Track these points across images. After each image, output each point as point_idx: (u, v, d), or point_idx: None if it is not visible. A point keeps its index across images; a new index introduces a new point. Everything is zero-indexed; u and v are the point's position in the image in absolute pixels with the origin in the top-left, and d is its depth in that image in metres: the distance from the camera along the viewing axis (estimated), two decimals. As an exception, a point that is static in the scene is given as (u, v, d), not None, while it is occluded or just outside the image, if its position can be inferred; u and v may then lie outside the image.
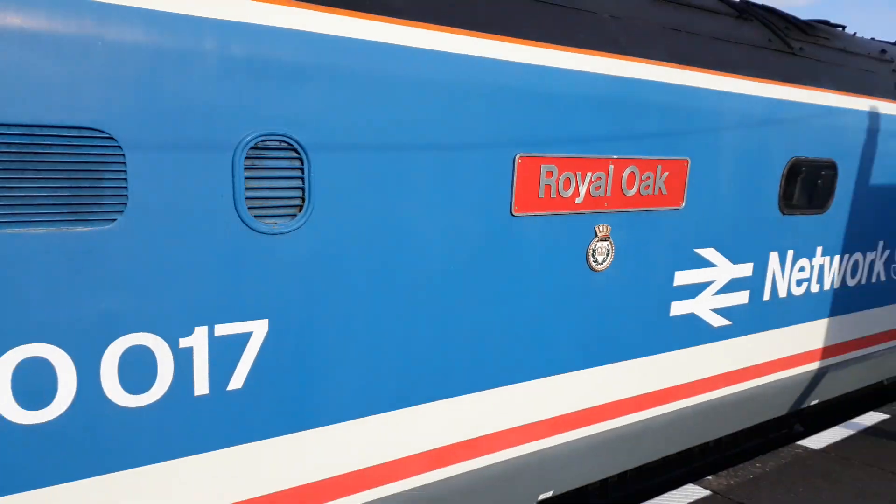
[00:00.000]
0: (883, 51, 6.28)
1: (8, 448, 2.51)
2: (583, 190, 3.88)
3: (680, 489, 4.89)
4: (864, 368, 6.44)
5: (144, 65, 2.52)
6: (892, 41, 7.02)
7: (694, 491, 4.83)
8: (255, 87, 2.76)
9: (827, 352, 5.94)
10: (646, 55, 4.07)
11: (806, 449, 5.58)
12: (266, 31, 2.78)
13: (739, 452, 6.12)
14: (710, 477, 5.05)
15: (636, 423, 4.61)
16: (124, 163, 2.53)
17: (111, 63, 2.46)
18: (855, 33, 6.47)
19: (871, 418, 6.28)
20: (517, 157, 3.57)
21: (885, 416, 6.34)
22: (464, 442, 3.78)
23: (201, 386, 2.87)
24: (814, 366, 5.85)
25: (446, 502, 3.77)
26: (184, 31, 2.59)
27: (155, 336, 2.73)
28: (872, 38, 6.72)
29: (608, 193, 4.01)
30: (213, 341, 2.86)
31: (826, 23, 6.03)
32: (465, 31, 3.35)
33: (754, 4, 5.47)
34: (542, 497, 4.24)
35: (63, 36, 2.37)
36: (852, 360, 6.24)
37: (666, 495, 4.79)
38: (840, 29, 6.10)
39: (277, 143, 2.86)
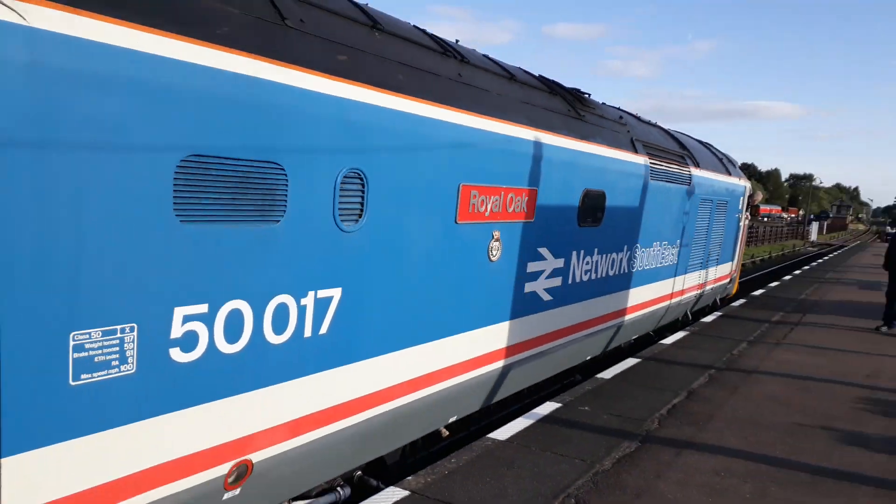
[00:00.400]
0: (620, 116, 9.21)
1: (217, 370, 3.69)
2: (488, 207, 5.83)
3: (382, 492, 4.98)
4: (631, 324, 10.02)
5: (301, 130, 3.92)
6: (625, 109, 10.24)
7: (394, 493, 4.96)
8: (346, 139, 4.26)
9: (607, 316, 8.95)
10: (516, 121, 6.11)
11: (494, 441, 6.11)
12: (356, 105, 4.30)
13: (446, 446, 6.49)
14: (409, 477, 5.23)
15: (509, 363, 6.75)
16: (286, 184, 3.86)
17: (286, 129, 3.83)
18: (603, 102, 9.32)
19: (547, 408, 7.11)
20: (460, 185, 5.41)
21: (558, 405, 7.23)
22: (428, 374, 5.54)
23: (308, 331, 4.26)
24: (603, 323, 8.90)
25: (443, 403, 5.85)
26: (316, 110, 4.02)
27: (290, 296, 4.06)
28: (605, 103, 9.42)
29: (500, 210, 6.00)
30: (316, 302, 4.26)
31: (581, 91, 8.33)
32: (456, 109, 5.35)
33: (558, 84, 7.82)
34: (451, 420, 6.24)
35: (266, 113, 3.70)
36: (618, 319, 9.45)
37: (370, 500, 4.84)
38: (588, 95, 8.54)
39: (354, 173, 4.35)
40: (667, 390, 8.04)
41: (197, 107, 3.33)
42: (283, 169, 3.82)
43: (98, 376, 3.13)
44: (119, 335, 3.19)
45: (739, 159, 17.79)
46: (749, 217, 15.96)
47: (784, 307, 15.52)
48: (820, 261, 34.03)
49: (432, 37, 5.89)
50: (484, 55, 6.70)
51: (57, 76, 2.78)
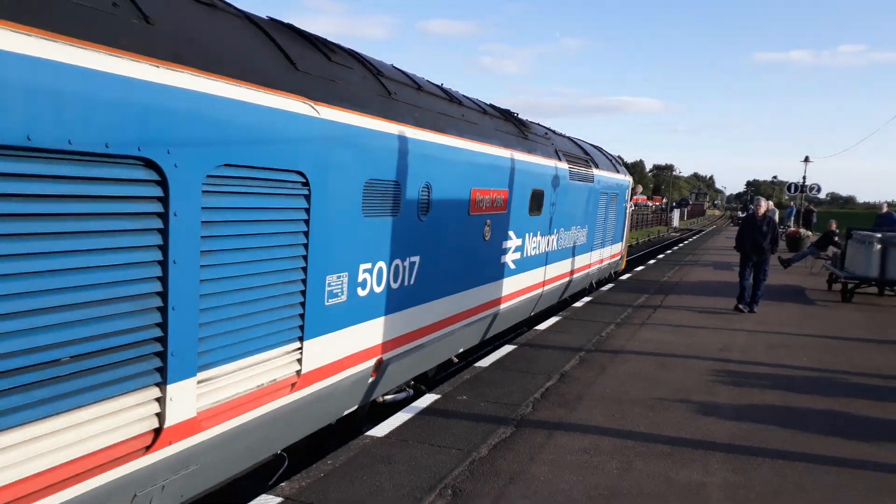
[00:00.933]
0: (546, 133, 12.44)
1: (372, 303, 6.11)
2: (484, 204, 8.51)
3: (255, 500, 4.79)
4: (571, 282, 14.20)
5: (404, 161, 6.36)
6: (544, 125, 13.44)
7: (267, 500, 4.78)
8: (422, 164, 6.83)
9: (554, 278, 12.72)
10: (495, 144, 8.83)
11: (372, 438, 6.05)
12: (425, 143, 6.76)
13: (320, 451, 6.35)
14: (283, 483, 5.07)
15: (490, 314, 9.54)
16: (401, 194, 6.51)
17: (400, 160, 6.27)
18: (532, 121, 12.85)
19: (426, 400, 7.14)
20: (471, 189, 8.12)
21: (437, 397, 7.28)
22: (450, 317, 8.17)
23: (407, 282, 6.80)
24: (555, 282, 12.88)
25: (459, 337, 8.62)
26: (409, 148, 6.43)
27: (400, 260, 6.55)
28: (534, 122, 12.78)
29: (490, 205, 8.73)
30: (410, 264, 6.76)
31: (519, 116, 11.53)
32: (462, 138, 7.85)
33: (509, 112, 11.01)
34: (460, 350, 9.02)
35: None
36: (565, 279, 13.64)
37: (239, 511, 4.65)
38: (518, 115, 11.51)
39: (426, 185, 7.03)
40: (540, 374, 8.31)
41: (371, 151, 5.84)
42: (399, 184, 6.38)
43: (332, 301, 5.50)
44: (341, 279, 5.57)
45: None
46: (633, 206, 22.26)
47: (648, 290, 16.51)
48: (681, 245, 36.54)
49: (442, 88, 8.57)
50: (465, 95, 9.37)
51: (338, 146, 5.35)
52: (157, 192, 3.73)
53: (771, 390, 8.02)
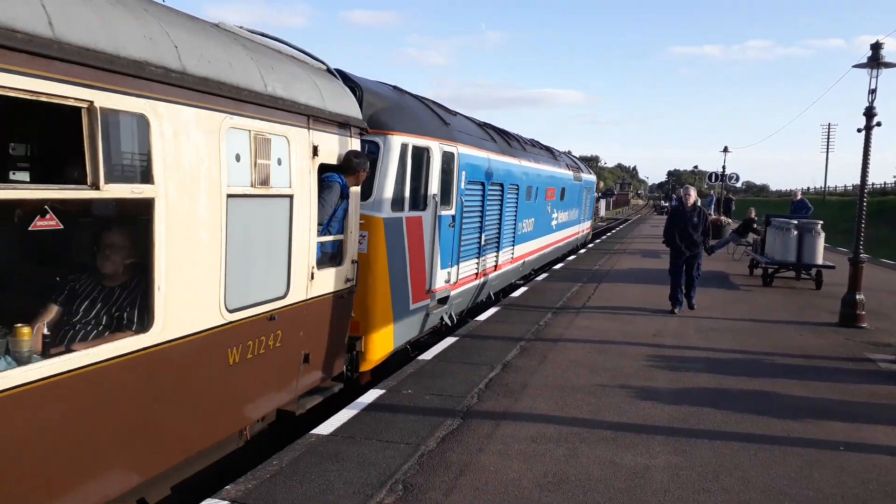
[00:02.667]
0: (559, 154, 21.31)
1: (511, 242, 14.17)
2: (549, 195, 18.20)
3: (198, 507, 4.62)
4: (568, 243, 23.17)
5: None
6: (544, 143, 20.80)
7: (212, 505, 4.61)
8: (504, 174, 13.08)
9: (561, 238, 21.16)
10: (547, 164, 18.03)
11: (318, 436, 5.92)
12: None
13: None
14: (228, 486, 4.90)
15: (545, 252, 18.61)
16: (514, 193, 14.09)
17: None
18: (549, 147, 22.54)
19: (371, 396, 7.05)
20: (546, 187, 17.51)
21: (382, 392, 7.20)
22: (506, 262, 14.21)
23: (520, 232, 15.07)
24: (561, 242, 21.13)
25: (521, 269, 15.94)
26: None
27: (519, 222, 14.74)
28: (549, 147, 21.02)
29: (550, 196, 18.32)
30: (522, 224, 15.23)
31: (548, 146, 20.57)
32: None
33: (547, 146, 20.11)
34: (515, 280, 15.80)
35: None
36: (569, 240, 23.12)
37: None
38: (550, 147, 21.20)
39: (513, 185, 13.85)
40: (483, 365, 8.35)
41: (509, 170, 13.17)
42: (519, 186, 14.01)
43: (507, 240, 14.04)
44: (508, 228, 13.70)
45: (538, 142, 21.00)
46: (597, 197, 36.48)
47: (581, 278, 16.88)
48: (609, 234, 37.54)
49: (523, 138, 16.53)
50: (529, 139, 16.81)
51: (497, 167, 12.37)
52: (501, 192, 12.75)
53: (704, 373, 8.33)
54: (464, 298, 11.27)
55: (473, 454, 5.62)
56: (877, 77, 11.26)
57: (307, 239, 5.80)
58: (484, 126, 12.99)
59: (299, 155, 5.58)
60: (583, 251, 25.39)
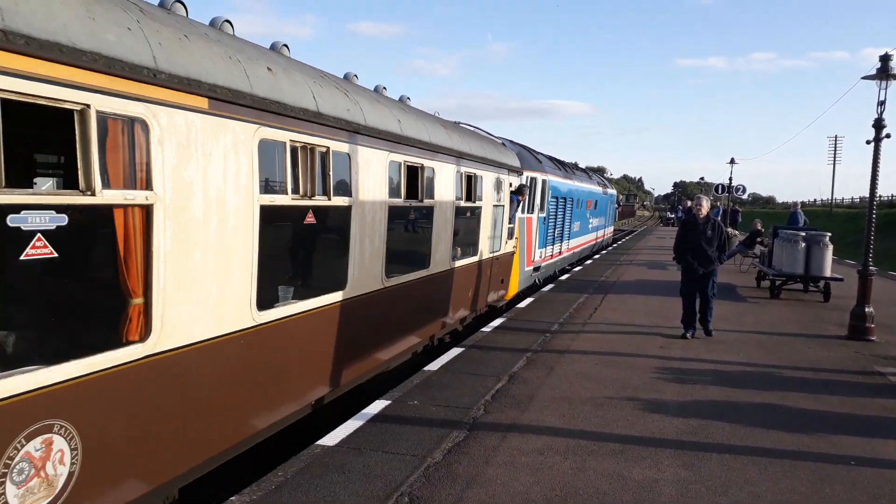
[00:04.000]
0: (591, 174, 31.93)
1: (573, 237, 23.38)
2: (589, 204, 27.55)
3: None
4: (601, 242, 33.21)
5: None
6: (581, 167, 33.33)
7: (217, 517, 4.58)
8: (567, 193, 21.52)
9: (596, 237, 31.11)
10: (588, 183, 27.09)
11: (324, 447, 5.89)
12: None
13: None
14: (233, 498, 4.87)
15: (585, 247, 27.11)
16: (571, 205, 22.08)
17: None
18: (597, 172, 42.38)
19: (376, 406, 7.01)
20: (587, 200, 26.59)
21: (388, 402, 7.16)
22: (565, 250, 22.44)
23: (573, 230, 22.66)
24: (595, 241, 30.93)
25: (571, 257, 24.27)
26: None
27: (573, 223, 23.12)
28: (592, 172, 35.52)
29: (589, 206, 27.47)
30: (575, 225, 23.77)
31: (585, 169, 32.70)
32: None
33: (584, 169, 32.28)
34: (568, 265, 23.20)
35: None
36: (600, 240, 33.04)
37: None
38: (585, 168, 34.49)
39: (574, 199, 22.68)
40: (490, 376, 8.30)
41: (570, 189, 21.47)
42: (581, 200, 24.03)
43: (575, 231, 23.86)
44: (568, 226, 21.62)
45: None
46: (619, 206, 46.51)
47: (587, 289, 16.81)
48: (615, 245, 37.47)
49: (577, 166, 30.02)
50: (578, 166, 29.64)
51: (561, 188, 20.39)
52: (564, 203, 20.84)
53: (712, 386, 8.26)
54: (546, 270, 18.38)
55: (480, 467, 5.57)
56: (886, 89, 11.23)
57: (505, 224, 13.19)
58: (551, 158, 20.38)
59: (505, 185, 13.06)
60: (589, 262, 25.36)
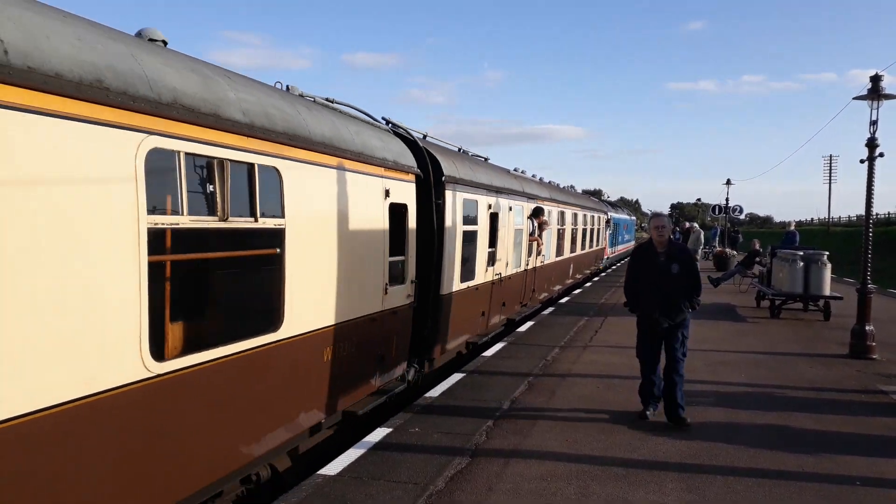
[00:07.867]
0: (610, 201, 50.27)
1: (614, 258, 38.06)
2: (610, 225, 36.88)
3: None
4: (623, 253, 43.14)
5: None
6: (589, 191, 52.73)
7: (218, 550, 4.53)
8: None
9: (614, 251, 39.71)
10: (610, 211, 37.55)
11: (325, 477, 5.84)
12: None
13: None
14: (234, 530, 4.82)
15: (616, 255, 40.17)
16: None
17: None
18: (603, 199, 50.70)
19: (378, 434, 6.97)
20: (613, 223, 38.38)
21: (389, 430, 7.12)
22: (613, 251, 39.84)
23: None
24: (623, 250, 43.72)
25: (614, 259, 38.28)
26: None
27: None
28: (602, 199, 47.28)
29: (609, 227, 36.71)
30: (613, 240, 38.53)
31: (605, 199, 48.37)
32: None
33: (605, 201, 44.31)
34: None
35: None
36: (624, 250, 44.62)
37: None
38: (607, 198, 54.12)
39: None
40: (491, 401, 8.26)
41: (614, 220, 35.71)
42: (620, 224, 42.61)
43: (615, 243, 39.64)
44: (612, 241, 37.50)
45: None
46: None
47: (587, 312, 16.79)
48: (614, 267, 37.48)
49: (609, 200, 50.47)
50: (605, 200, 47.76)
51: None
52: (615, 225, 38.75)
53: (715, 408, 8.22)
54: (609, 261, 34.44)
55: (483, 494, 5.53)
56: (877, 108, 11.35)
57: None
58: (600, 198, 37.74)
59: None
60: (588, 284, 25.36)
